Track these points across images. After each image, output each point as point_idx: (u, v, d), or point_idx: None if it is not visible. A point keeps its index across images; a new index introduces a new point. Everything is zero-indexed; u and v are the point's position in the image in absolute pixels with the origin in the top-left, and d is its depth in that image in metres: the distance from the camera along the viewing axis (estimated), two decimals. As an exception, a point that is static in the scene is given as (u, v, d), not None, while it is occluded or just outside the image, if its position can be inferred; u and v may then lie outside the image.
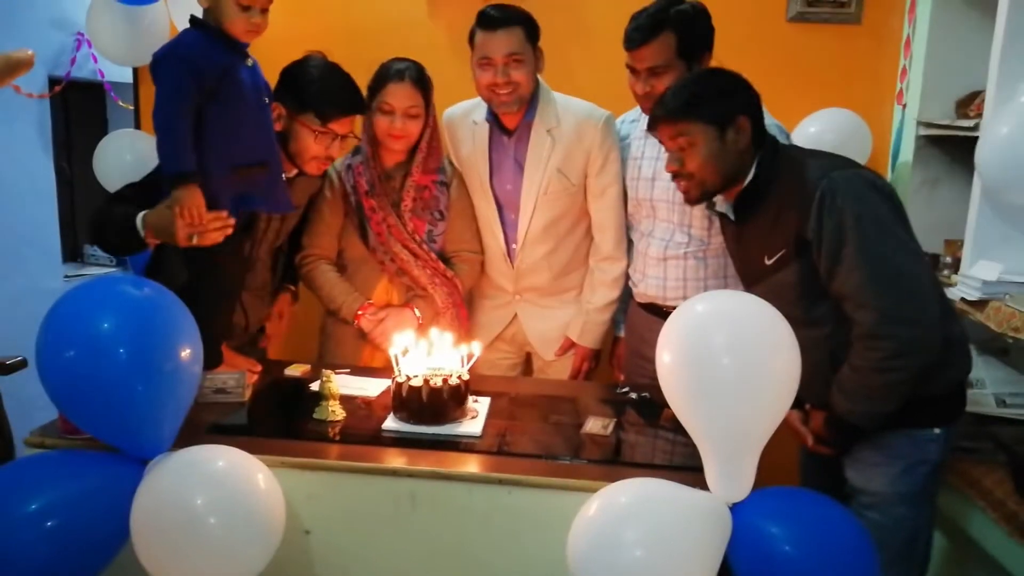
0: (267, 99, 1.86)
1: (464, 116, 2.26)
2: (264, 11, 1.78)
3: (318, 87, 1.97)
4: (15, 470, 1.47)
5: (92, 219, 1.91)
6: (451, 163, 2.26)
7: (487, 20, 2.05)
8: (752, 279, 1.76)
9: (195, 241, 1.73)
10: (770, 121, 1.97)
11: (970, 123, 2.24)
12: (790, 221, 1.57)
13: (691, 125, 1.62)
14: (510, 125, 2.17)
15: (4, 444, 2.34)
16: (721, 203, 1.76)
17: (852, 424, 1.60)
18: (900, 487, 1.65)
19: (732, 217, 1.76)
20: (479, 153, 2.21)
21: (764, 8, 2.70)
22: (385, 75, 2.09)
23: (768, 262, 1.64)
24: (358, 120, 2.07)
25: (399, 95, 2.06)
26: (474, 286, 2.34)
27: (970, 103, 2.37)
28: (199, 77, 1.70)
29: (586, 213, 2.23)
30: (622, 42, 1.99)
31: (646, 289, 2.16)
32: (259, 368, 1.98)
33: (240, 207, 1.81)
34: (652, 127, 1.74)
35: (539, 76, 2.16)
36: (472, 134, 2.22)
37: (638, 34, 1.94)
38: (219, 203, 1.77)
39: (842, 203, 1.52)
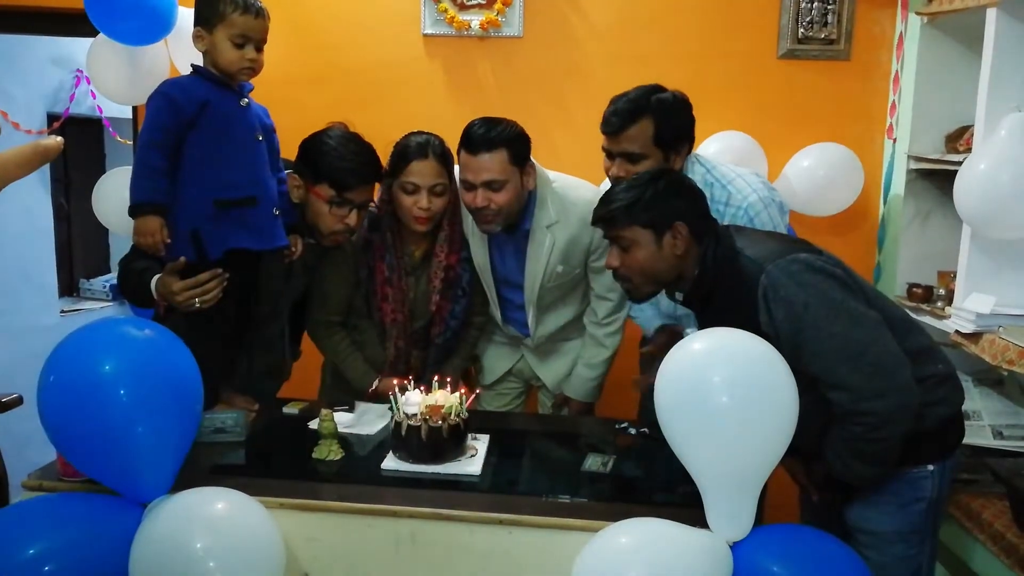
0: (261, 138, 1.86)
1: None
2: (259, 48, 1.81)
3: (333, 157, 1.94)
4: (13, 514, 1.46)
5: (119, 270, 1.96)
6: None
7: (469, 142, 1.97)
8: None
9: (198, 306, 1.74)
10: (754, 199, 1.91)
11: (959, 157, 2.27)
12: (742, 316, 1.56)
13: (628, 229, 1.65)
14: (505, 230, 2.10)
15: (-1, 482, 2.33)
16: (677, 293, 1.76)
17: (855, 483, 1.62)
18: (897, 525, 1.65)
19: (689, 308, 1.77)
20: (479, 240, 2.15)
21: (755, 46, 2.75)
22: (406, 153, 2.01)
23: None
24: (376, 186, 2.05)
25: (424, 173, 1.99)
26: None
27: (959, 137, 2.40)
28: (177, 111, 1.74)
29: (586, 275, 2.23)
30: (599, 126, 1.94)
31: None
32: (256, 407, 1.97)
33: (226, 244, 1.81)
34: (593, 224, 1.74)
35: (538, 169, 2.09)
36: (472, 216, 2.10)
37: (616, 119, 1.89)
38: (201, 237, 1.78)
39: (786, 294, 1.52)
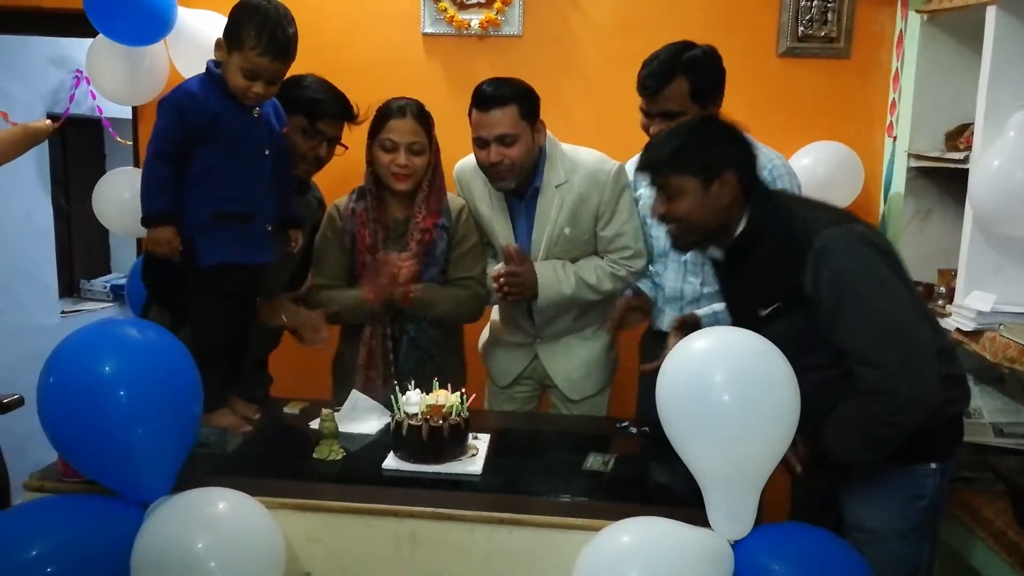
0: (268, 151, 1.86)
1: (476, 173, 2.19)
2: (273, 83, 1.79)
3: (309, 91, 2.10)
4: (14, 516, 1.46)
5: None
6: (459, 208, 2.20)
7: (480, 100, 2.05)
8: (738, 320, 1.75)
9: None
10: (779, 163, 2.03)
11: (959, 155, 2.28)
12: (785, 275, 1.56)
13: (675, 177, 1.61)
14: (517, 193, 2.15)
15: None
16: (714, 249, 1.75)
17: (843, 463, 1.60)
18: (896, 523, 1.63)
19: (724, 263, 1.75)
20: (499, 214, 2.19)
21: (755, 44, 2.74)
22: (386, 113, 2.09)
23: (762, 313, 1.63)
24: (363, 145, 2.14)
25: (401, 130, 2.06)
26: (475, 320, 2.32)
27: (959, 136, 2.40)
28: (187, 121, 1.74)
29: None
30: (636, 88, 1.99)
31: (661, 325, 2.19)
32: (257, 416, 1.96)
33: (218, 257, 1.81)
34: (639, 170, 1.73)
35: (547, 132, 2.14)
36: (489, 194, 2.19)
37: (651, 81, 1.95)
38: (197, 247, 1.79)
39: (836, 260, 1.51)
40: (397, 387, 1.77)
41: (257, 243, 1.88)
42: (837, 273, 1.50)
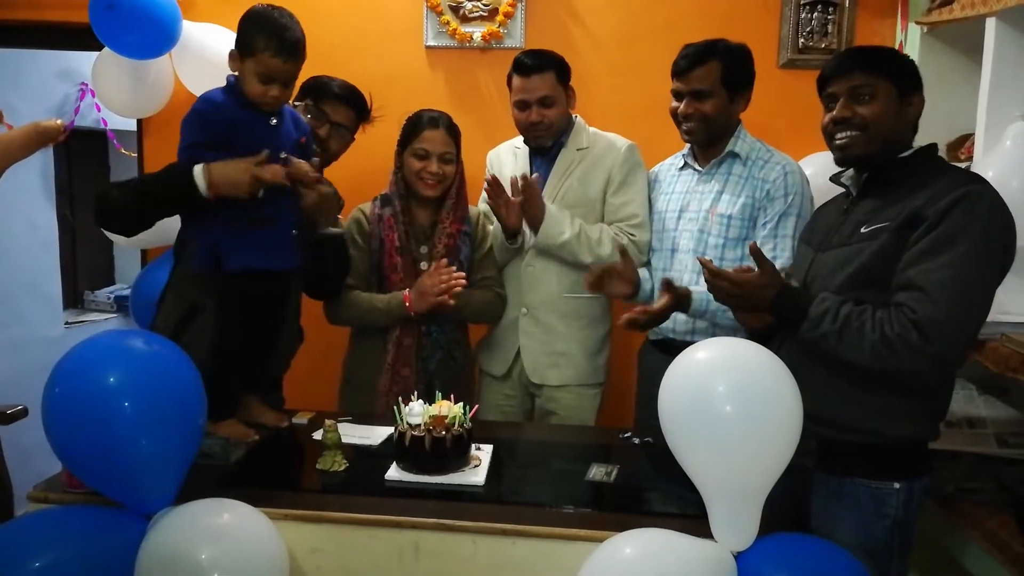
0: (284, 156, 1.86)
1: (508, 147, 2.48)
2: (287, 85, 1.82)
3: (322, 79, 2.27)
4: (18, 527, 1.46)
5: (102, 197, 1.87)
6: (476, 216, 2.35)
7: (521, 67, 2.26)
8: (825, 245, 1.74)
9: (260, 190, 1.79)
10: (795, 167, 2.11)
11: (961, 166, 2.28)
12: (914, 199, 1.56)
13: (879, 79, 1.63)
14: (542, 150, 2.36)
15: (3, 493, 2.34)
16: (847, 177, 1.77)
17: (801, 322, 1.61)
18: (861, 539, 1.62)
19: (854, 193, 1.74)
20: (522, 169, 2.36)
21: (756, 56, 2.71)
22: (419, 123, 2.22)
23: (864, 230, 1.63)
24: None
25: (434, 140, 2.19)
26: (497, 320, 2.38)
27: (960, 146, 2.41)
28: (208, 128, 1.78)
29: None
30: (670, 72, 2.15)
31: (663, 332, 2.20)
32: (285, 424, 2.00)
33: (242, 262, 1.82)
34: (836, 73, 1.70)
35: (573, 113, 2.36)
36: (515, 157, 2.43)
37: (685, 61, 2.11)
38: (222, 253, 1.80)
39: (978, 209, 1.50)
40: (414, 395, 1.81)
41: (281, 248, 1.89)
42: (971, 219, 1.49)
